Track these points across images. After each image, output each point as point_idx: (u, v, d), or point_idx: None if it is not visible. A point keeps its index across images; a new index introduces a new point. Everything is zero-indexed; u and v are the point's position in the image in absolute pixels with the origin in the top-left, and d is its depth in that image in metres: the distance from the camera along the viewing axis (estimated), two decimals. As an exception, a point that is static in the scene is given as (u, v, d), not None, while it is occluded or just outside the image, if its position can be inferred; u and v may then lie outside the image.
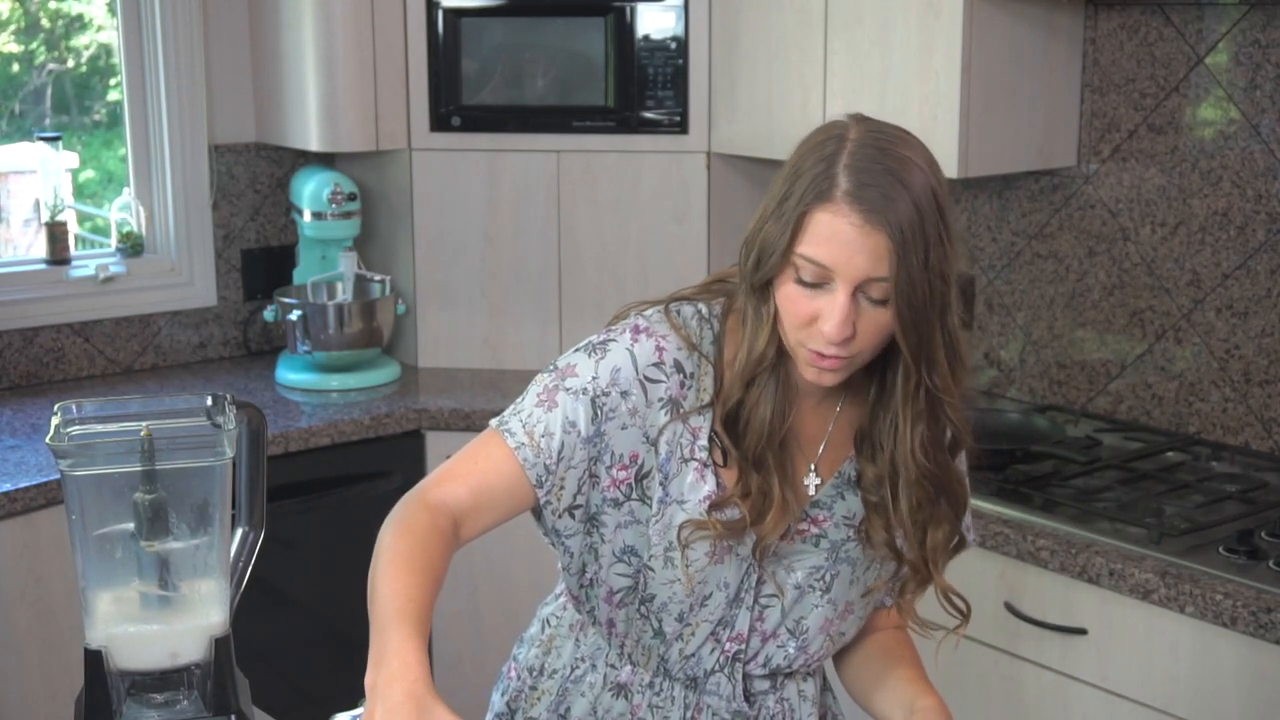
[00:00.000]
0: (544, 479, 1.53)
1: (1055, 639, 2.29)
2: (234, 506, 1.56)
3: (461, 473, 1.53)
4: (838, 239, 1.41)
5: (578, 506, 1.55)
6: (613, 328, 1.58)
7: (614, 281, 3.29)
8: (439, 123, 3.29)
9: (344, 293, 3.34)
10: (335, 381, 3.23)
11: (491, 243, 3.34)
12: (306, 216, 3.31)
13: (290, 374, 3.27)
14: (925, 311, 1.44)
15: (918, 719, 1.60)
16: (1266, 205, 2.58)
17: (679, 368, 1.54)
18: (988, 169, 2.76)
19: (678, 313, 1.57)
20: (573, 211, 3.30)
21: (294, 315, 3.20)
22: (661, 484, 1.54)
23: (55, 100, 3.61)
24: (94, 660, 1.48)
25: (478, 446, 1.55)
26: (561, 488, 1.54)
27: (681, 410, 1.54)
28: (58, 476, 1.63)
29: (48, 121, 3.58)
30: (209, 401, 1.54)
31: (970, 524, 1.66)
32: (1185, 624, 2.12)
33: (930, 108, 2.69)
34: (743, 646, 1.60)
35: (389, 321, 3.32)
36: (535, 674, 1.70)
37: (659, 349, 1.55)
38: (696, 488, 1.54)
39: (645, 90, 3.19)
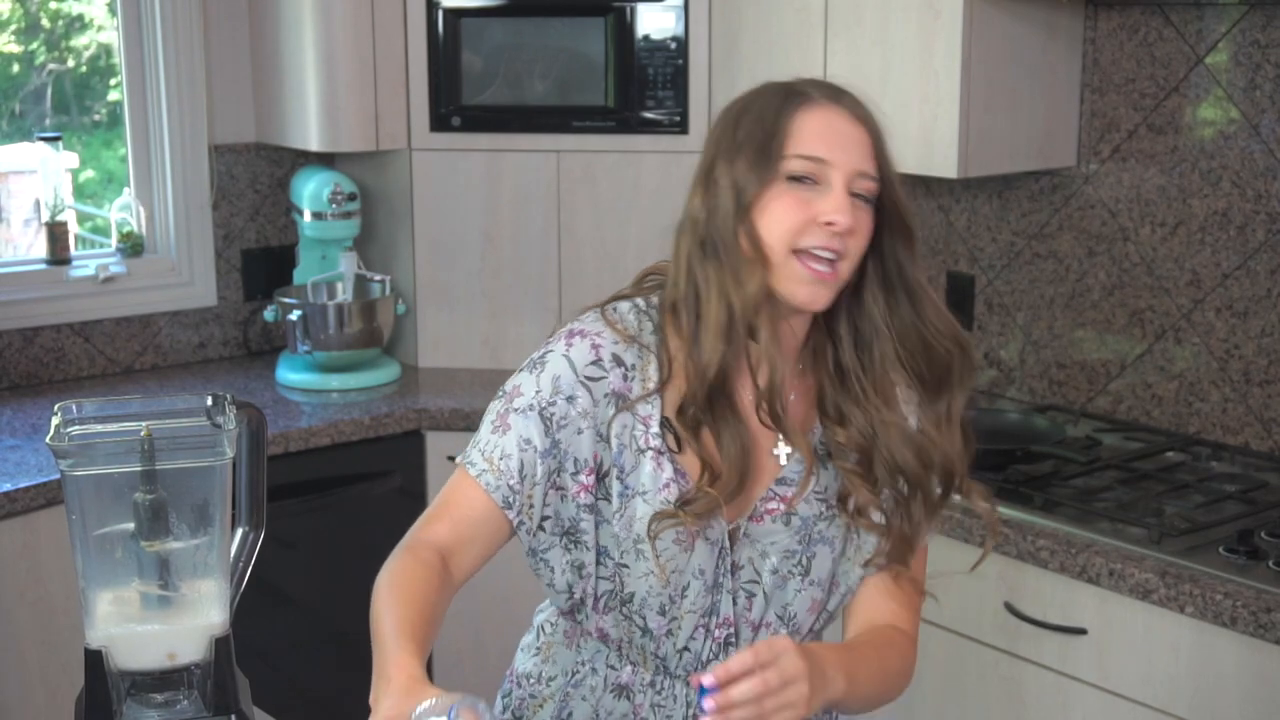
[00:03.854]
0: (510, 499, 1.54)
1: (1055, 639, 2.29)
2: (234, 506, 1.56)
3: (437, 513, 1.57)
4: (832, 131, 1.50)
5: (547, 518, 1.57)
6: (550, 339, 1.60)
7: (614, 281, 3.25)
8: (439, 123, 3.29)
9: (344, 293, 3.34)
10: (335, 381, 3.23)
11: (491, 243, 3.34)
12: (307, 216, 3.31)
13: (290, 374, 3.27)
14: (901, 212, 1.53)
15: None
16: (1266, 205, 2.58)
17: (618, 361, 1.56)
18: (987, 169, 2.76)
19: (614, 309, 1.61)
20: (573, 211, 3.30)
21: (294, 315, 3.20)
22: (619, 478, 1.55)
23: (55, 100, 3.61)
24: (94, 660, 1.48)
25: (449, 486, 1.59)
26: (530, 505, 1.55)
27: (627, 401, 1.54)
28: (58, 476, 1.63)
29: (48, 121, 3.58)
30: (209, 401, 1.54)
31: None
32: (1185, 624, 2.12)
33: (930, 108, 2.69)
34: (732, 631, 1.59)
35: (389, 321, 3.32)
36: (534, 681, 1.70)
37: (594, 347, 1.57)
38: (655, 476, 1.54)
39: (645, 90, 3.19)
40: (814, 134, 1.50)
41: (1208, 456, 2.63)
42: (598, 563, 1.57)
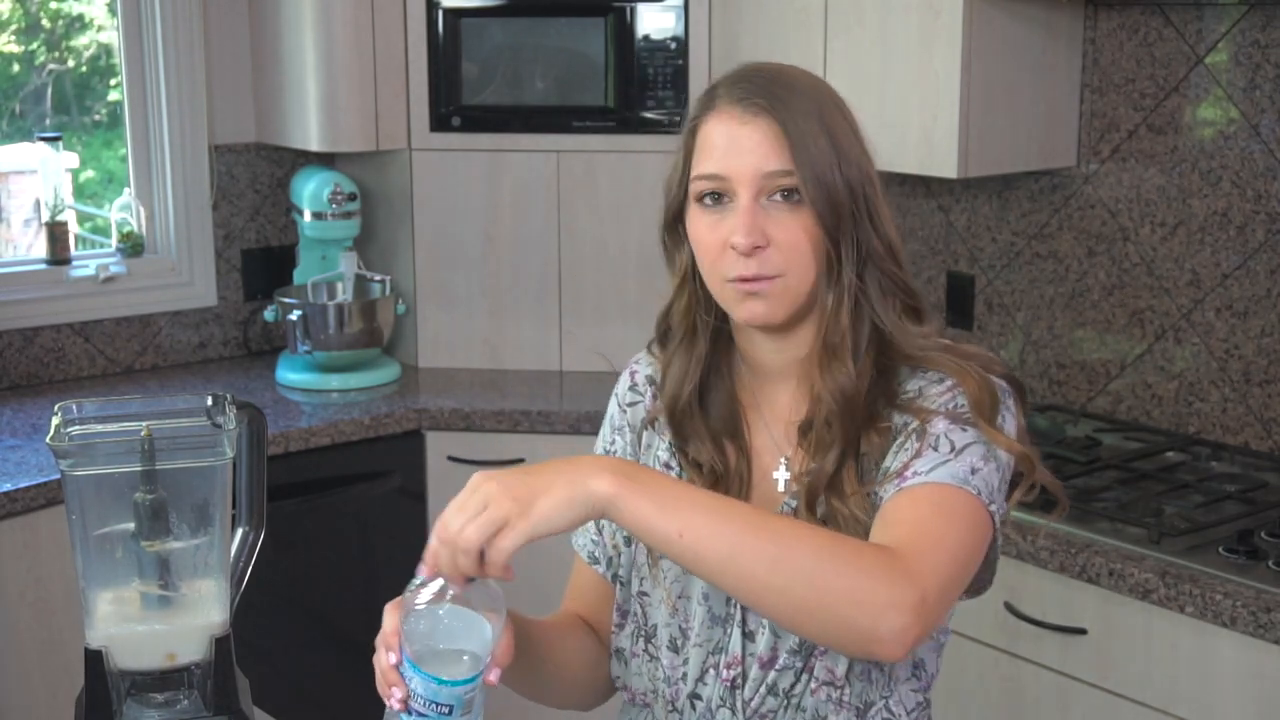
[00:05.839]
0: (596, 554, 1.54)
1: (1055, 639, 2.29)
2: (234, 506, 1.56)
3: (566, 595, 1.59)
4: (723, 141, 1.38)
5: (622, 566, 1.53)
6: None
7: (614, 281, 3.29)
8: (439, 123, 3.29)
9: (344, 293, 3.34)
10: (335, 381, 3.23)
11: (491, 243, 3.34)
12: (307, 216, 3.31)
13: (290, 374, 3.27)
14: (846, 200, 1.36)
15: None
16: (1266, 205, 2.58)
17: (651, 381, 1.55)
18: (987, 169, 2.76)
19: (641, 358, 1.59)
20: (573, 211, 3.30)
21: (294, 315, 3.20)
22: None
23: (55, 100, 3.62)
24: (94, 660, 1.48)
25: None
26: (620, 554, 1.52)
27: (648, 418, 1.52)
28: (58, 476, 1.63)
29: (48, 121, 3.58)
30: (209, 401, 1.54)
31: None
32: (1185, 624, 2.12)
33: (930, 108, 2.69)
34: (740, 672, 1.43)
35: (389, 321, 3.32)
36: None
37: (631, 373, 1.57)
38: None
39: (645, 90, 3.20)
40: (712, 147, 1.39)
41: (1208, 456, 2.63)
42: (629, 594, 1.51)
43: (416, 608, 1.24)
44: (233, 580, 1.57)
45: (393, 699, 1.26)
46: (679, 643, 1.48)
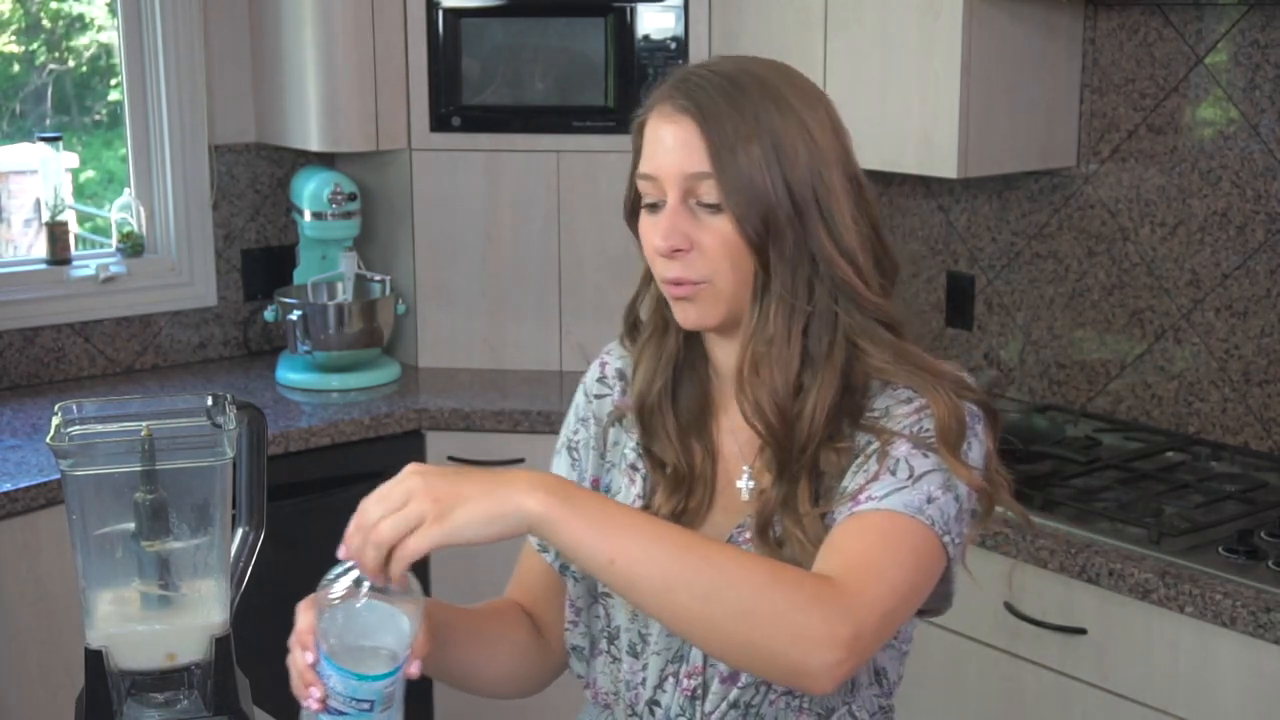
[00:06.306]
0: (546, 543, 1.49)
1: (1055, 639, 2.29)
2: (234, 506, 1.56)
3: (511, 581, 1.56)
4: (656, 140, 1.34)
5: None
6: None
7: (614, 281, 3.29)
8: (439, 123, 3.29)
9: (344, 293, 3.34)
10: (335, 381, 3.23)
11: (491, 243, 3.34)
12: (307, 216, 3.31)
13: (290, 374, 3.27)
14: (782, 212, 1.30)
15: None
16: (1266, 205, 2.58)
17: (621, 375, 1.51)
18: (987, 169, 2.76)
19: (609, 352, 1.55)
20: (573, 211, 3.30)
21: (294, 315, 3.20)
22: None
23: (55, 100, 3.62)
24: (94, 660, 1.48)
25: None
26: None
27: (615, 414, 1.49)
28: (58, 476, 1.63)
29: (48, 121, 3.58)
30: (209, 401, 1.54)
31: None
32: (1185, 624, 2.12)
33: (930, 108, 2.69)
34: (701, 682, 1.39)
35: (389, 321, 3.32)
36: None
37: (601, 364, 1.54)
38: (627, 494, 1.46)
39: (645, 90, 3.19)
40: (646, 147, 1.36)
41: (1207, 456, 2.63)
42: (593, 598, 1.48)
43: (331, 603, 1.22)
44: (233, 580, 1.57)
45: (310, 699, 1.24)
46: (639, 648, 1.44)
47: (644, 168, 1.36)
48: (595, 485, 1.50)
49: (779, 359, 1.34)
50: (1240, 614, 2.04)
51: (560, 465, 1.54)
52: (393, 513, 1.20)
